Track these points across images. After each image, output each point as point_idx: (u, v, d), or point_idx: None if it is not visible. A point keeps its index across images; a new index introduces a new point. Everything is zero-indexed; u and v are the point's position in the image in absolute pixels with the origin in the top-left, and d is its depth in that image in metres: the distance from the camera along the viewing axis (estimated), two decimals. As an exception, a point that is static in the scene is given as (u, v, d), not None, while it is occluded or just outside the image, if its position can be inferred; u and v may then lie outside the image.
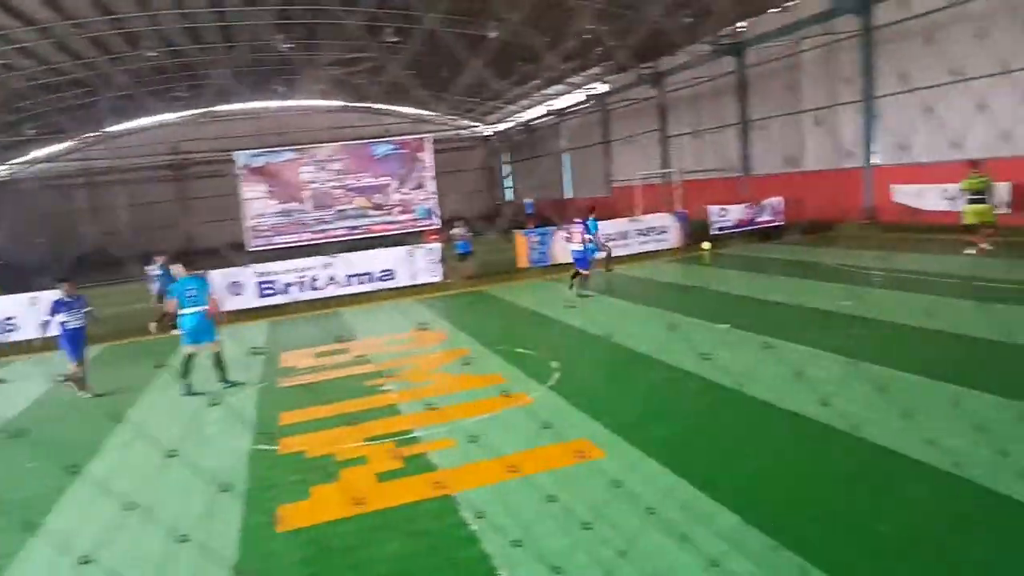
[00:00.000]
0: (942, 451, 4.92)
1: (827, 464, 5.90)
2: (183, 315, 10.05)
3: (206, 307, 10.14)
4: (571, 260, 15.35)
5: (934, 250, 15.71)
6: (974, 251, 14.74)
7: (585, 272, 14.93)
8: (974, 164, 14.93)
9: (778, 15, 23.19)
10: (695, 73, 28.27)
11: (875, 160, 20.82)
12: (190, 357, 10.09)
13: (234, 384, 10.25)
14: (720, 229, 20.95)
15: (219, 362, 10.22)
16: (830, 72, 22.23)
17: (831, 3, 20.28)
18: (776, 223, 21.18)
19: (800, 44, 22.81)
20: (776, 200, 21.54)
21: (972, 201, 14.79)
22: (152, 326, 14.41)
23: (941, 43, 17.97)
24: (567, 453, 6.40)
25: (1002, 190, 16.08)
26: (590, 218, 16.71)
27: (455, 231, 19.93)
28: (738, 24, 25.12)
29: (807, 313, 11.18)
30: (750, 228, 21.10)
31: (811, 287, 13.13)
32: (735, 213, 21.25)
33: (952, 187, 17.01)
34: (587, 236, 15.05)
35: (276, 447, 7.56)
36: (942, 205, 17.71)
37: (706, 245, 20.19)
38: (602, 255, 17.68)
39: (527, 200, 40.11)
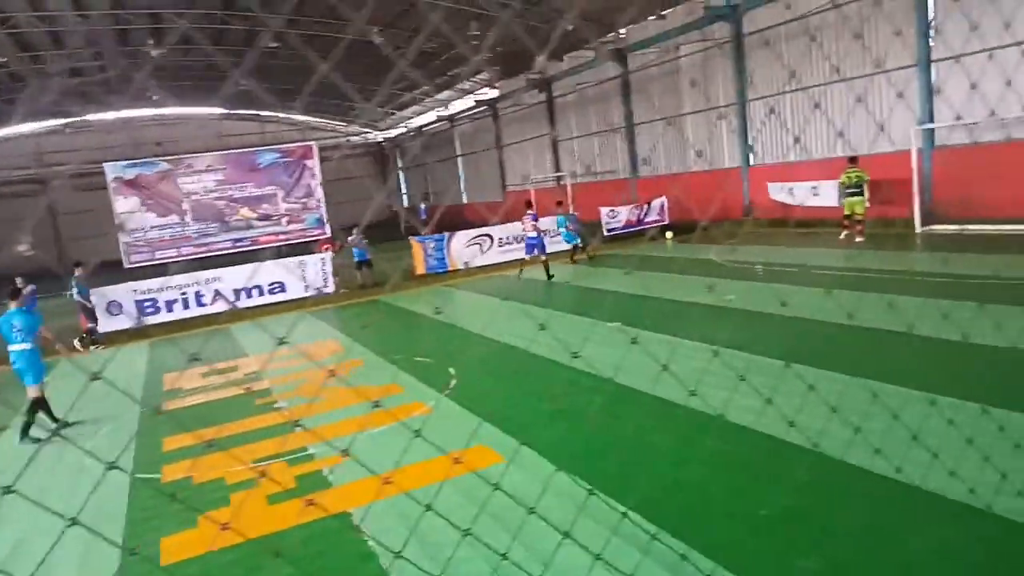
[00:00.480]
0: (802, 430, 5.25)
1: (710, 451, 6.16)
2: (10, 352, 8.94)
3: (30, 345, 8.94)
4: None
5: (803, 243, 16.75)
6: (843, 236, 16.16)
7: (544, 258, 17.19)
8: (852, 160, 16.01)
9: (657, 22, 24.11)
10: (581, 78, 29.00)
11: (752, 160, 22.01)
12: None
13: (35, 441, 8.76)
14: (611, 230, 21.54)
15: (33, 409, 8.89)
16: (708, 76, 23.33)
17: (704, 11, 21.27)
18: (662, 222, 21.98)
19: (679, 50, 23.83)
20: (661, 200, 22.36)
21: (850, 194, 15.95)
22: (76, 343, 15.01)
23: (808, 49, 19.22)
24: (465, 460, 6.39)
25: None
26: (559, 214, 19.52)
27: (352, 238, 19.61)
28: (620, 31, 25.93)
29: (693, 308, 11.66)
30: (638, 228, 21.80)
31: (696, 283, 13.70)
32: (624, 214, 21.91)
33: (821, 184, 18.24)
34: (535, 225, 17.32)
35: (159, 475, 7.17)
36: (811, 201, 18.94)
37: (669, 235, 20.95)
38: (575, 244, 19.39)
39: (421, 205, 39.88)
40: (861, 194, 15.85)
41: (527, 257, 17.56)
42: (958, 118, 14.62)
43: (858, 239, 15.82)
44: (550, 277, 16.81)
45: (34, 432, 8.83)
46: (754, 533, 4.78)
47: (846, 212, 16.16)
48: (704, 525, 4.91)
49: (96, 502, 6.41)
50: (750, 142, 21.99)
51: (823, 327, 9.25)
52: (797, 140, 20.24)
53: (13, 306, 9.21)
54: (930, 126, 16.59)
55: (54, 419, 9.12)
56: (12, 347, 8.99)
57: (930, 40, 16.29)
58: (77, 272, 15.26)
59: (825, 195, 17.99)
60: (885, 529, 4.65)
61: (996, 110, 13.64)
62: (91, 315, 15.41)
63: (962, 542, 4.41)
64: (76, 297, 15.23)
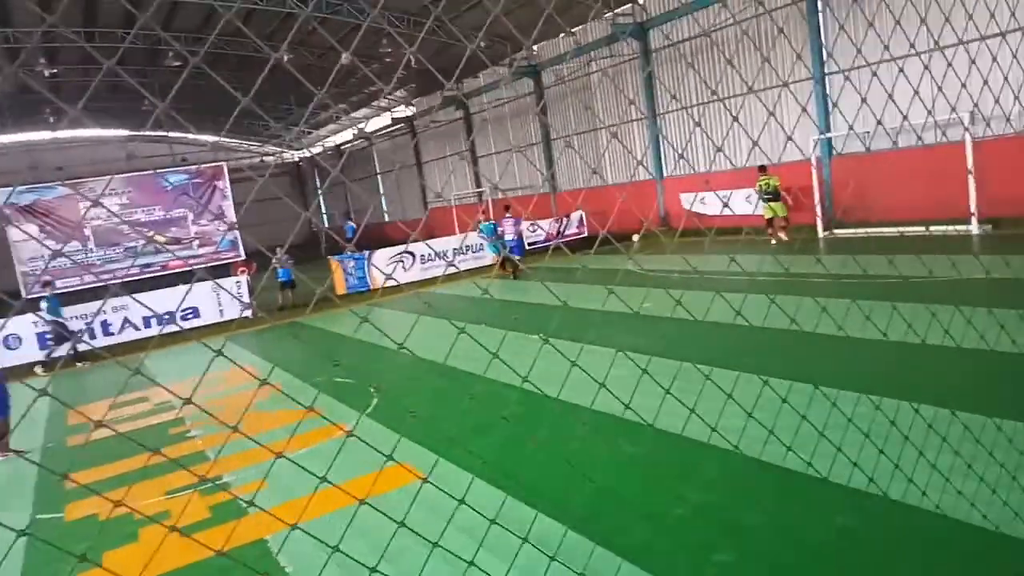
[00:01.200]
0: (723, 431, 5.43)
1: (627, 455, 6.30)
2: None
3: None
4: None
5: (716, 251, 17.35)
6: (775, 242, 16.87)
7: (517, 258, 18.47)
8: (762, 169, 16.78)
9: (568, 39, 24.65)
10: (498, 94, 29.32)
11: (665, 172, 22.70)
12: None
13: None
14: (532, 244, 21.77)
15: None
16: (619, 92, 23.97)
17: (612, 28, 21.89)
18: (581, 235, 22.37)
19: (591, 66, 24.41)
20: (579, 213, 22.77)
21: (766, 200, 16.69)
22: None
23: (714, 63, 20.01)
24: (385, 479, 6.32)
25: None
26: (508, 215, 20.23)
27: (277, 258, 19.13)
28: (533, 47, 26.38)
29: (611, 317, 11.90)
30: (558, 241, 22.12)
31: (616, 292, 13.97)
32: (544, 228, 22.20)
33: (730, 193, 18.95)
34: (519, 228, 18.53)
35: (62, 514, 6.80)
36: (721, 210, 19.64)
37: (635, 237, 21.61)
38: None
39: (348, 224, 39.11)
40: (777, 199, 16.63)
41: (517, 258, 18.91)
42: (871, 121, 15.50)
43: (782, 236, 16.72)
44: (516, 277, 18.27)
45: None
46: (670, 532, 4.91)
47: (767, 217, 16.90)
48: (622, 528, 5.00)
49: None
50: (662, 154, 22.67)
51: (734, 330, 9.59)
52: (718, 150, 20.97)
53: None
54: (827, 135, 17.52)
55: None
56: None
57: (824, 55, 17.24)
58: (47, 291, 14.83)
59: (735, 204, 18.70)
60: (794, 519, 4.85)
61: (884, 121, 14.52)
62: (67, 334, 14.98)
63: (864, 528, 4.65)
64: (48, 316, 15.06)
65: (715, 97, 20.03)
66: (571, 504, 5.41)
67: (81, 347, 15.38)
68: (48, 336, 15.33)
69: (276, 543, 5.45)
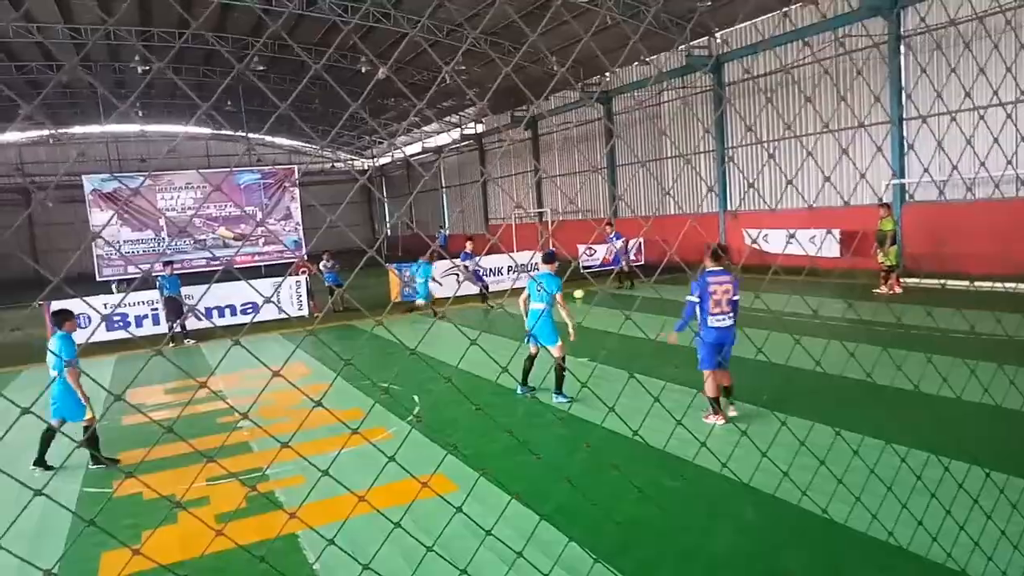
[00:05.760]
0: (766, 475, 5.29)
1: (666, 488, 6.20)
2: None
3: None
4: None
5: (773, 289, 16.95)
6: (900, 291, 15.17)
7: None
8: (888, 207, 15.16)
9: (641, 68, 24.66)
10: (566, 118, 29.49)
11: (729, 206, 22.40)
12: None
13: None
14: (587, 267, 21.71)
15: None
16: (688, 123, 23.82)
17: (687, 60, 21.80)
18: (638, 263, 22.20)
19: (661, 96, 24.35)
20: (637, 241, 22.62)
21: (893, 242, 15.07)
22: None
23: (788, 102, 19.73)
24: (419, 487, 6.36)
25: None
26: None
27: (324, 263, 19.64)
28: (605, 73, 26.47)
29: (661, 348, 11.73)
30: (613, 267, 22.01)
31: (667, 323, 13.79)
32: (600, 253, 22.12)
33: (797, 231, 18.55)
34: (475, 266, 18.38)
35: (110, 490, 7.06)
36: (786, 248, 19.23)
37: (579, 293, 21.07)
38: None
39: (441, 231, 39.15)
40: (894, 243, 15.07)
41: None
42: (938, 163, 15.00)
43: (898, 290, 15.18)
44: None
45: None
46: (706, 572, 4.79)
47: (890, 263, 15.00)
48: (657, 564, 4.91)
49: (40, 515, 6.31)
50: (727, 188, 22.39)
51: (784, 370, 9.36)
52: (787, 185, 20.62)
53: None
54: (901, 181, 17.02)
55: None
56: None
57: (902, 99, 16.80)
58: (167, 271, 16.45)
59: (801, 243, 18.28)
60: (833, 570, 4.68)
61: (961, 170, 14.04)
62: (184, 309, 15.51)
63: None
64: (167, 293, 16.07)
65: (785, 135, 19.70)
66: (606, 534, 5.35)
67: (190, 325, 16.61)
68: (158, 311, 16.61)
69: (306, 538, 5.55)
